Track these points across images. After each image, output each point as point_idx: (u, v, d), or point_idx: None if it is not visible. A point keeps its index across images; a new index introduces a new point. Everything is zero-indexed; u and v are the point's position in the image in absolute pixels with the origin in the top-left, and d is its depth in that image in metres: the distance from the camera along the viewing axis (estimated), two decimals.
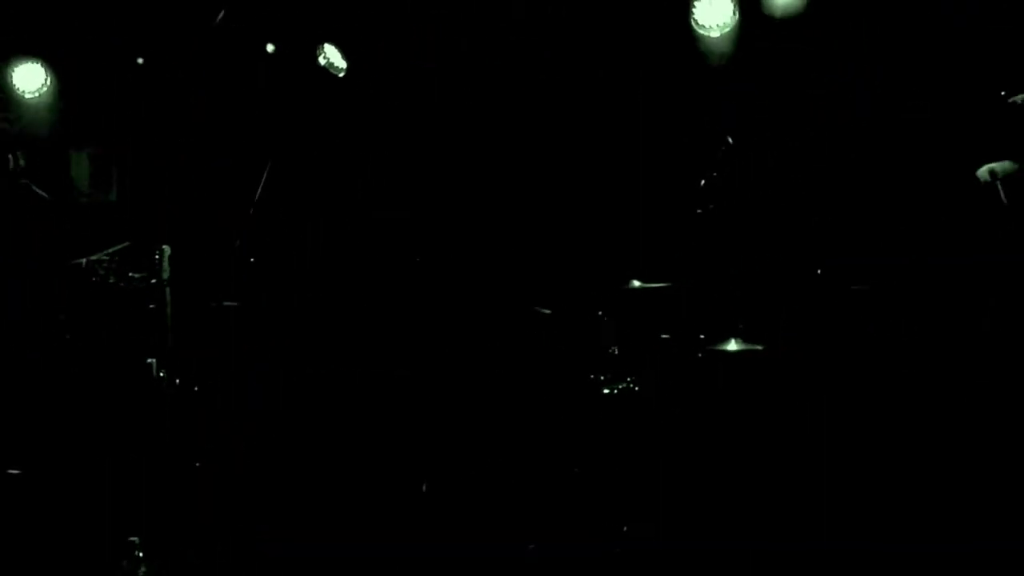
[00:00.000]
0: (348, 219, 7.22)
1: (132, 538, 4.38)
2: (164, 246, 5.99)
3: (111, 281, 6.10)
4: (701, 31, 6.10)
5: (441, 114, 7.14)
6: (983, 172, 5.04)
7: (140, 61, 7.24)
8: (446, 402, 5.99)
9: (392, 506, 5.40)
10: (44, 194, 6.66)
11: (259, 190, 5.58)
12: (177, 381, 5.89)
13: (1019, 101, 5.05)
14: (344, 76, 6.70)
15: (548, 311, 5.86)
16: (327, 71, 6.60)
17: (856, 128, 6.11)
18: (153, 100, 7.35)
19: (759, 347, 5.55)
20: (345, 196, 7.26)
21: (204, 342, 6.17)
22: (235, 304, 6.14)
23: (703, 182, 5.33)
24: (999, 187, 5.02)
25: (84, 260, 6.16)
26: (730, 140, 5.34)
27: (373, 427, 6.16)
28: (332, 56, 6.66)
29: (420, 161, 7.21)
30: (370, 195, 7.23)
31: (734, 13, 6.05)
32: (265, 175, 5.57)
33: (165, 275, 5.98)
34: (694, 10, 6.13)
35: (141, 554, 4.38)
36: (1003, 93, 5.17)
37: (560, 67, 6.81)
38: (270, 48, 6.56)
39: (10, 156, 6.59)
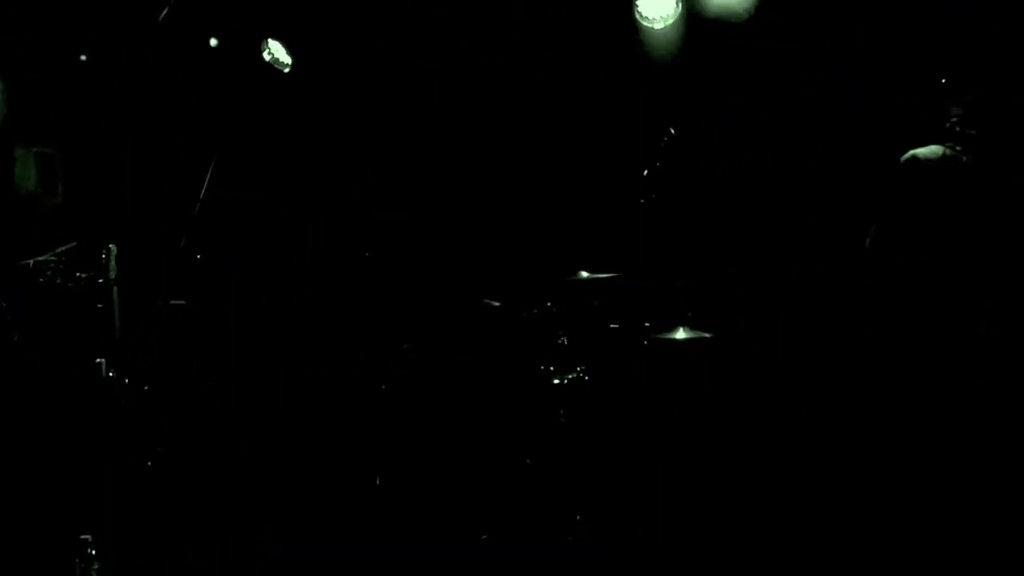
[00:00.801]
0: (297, 214, 7.21)
1: (84, 536, 4.36)
2: (110, 245, 5.96)
3: (58, 282, 6.05)
4: (645, 23, 6.13)
5: (388, 111, 7.15)
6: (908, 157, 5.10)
7: (83, 58, 7.18)
8: (401, 398, 5.99)
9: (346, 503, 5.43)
10: None
11: (204, 188, 5.56)
12: (126, 380, 5.86)
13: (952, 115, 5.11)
14: (289, 72, 6.67)
15: (497, 303, 5.89)
16: (272, 67, 6.58)
17: (839, 124, 6.17)
18: (98, 98, 7.29)
19: (707, 335, 5.61)
20: (296, 191, 7.26)
21: (153, 341, 6.15)
22: (183, 302, 6.12)
23: (646, 172, 5.38)
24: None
25: (31, 261, 6.10)
26: (673, 131, 5.39)
27: (327, 423, 6.18)
28: (276, 51, 6.64)
29: (369, 156, 7.22)
30: (318, 190, 7.23)
31: (677, 5, 6.09)
32: (209, 173, 5.56)
33: (112, 274, 5.94)
34: (637, 3, 6.16)
35: (94, 552, 4.36)
36: (944, 81, 5.25)
37: (504, 62, 6.84)
38: (213, 42, 6.52)
39: None
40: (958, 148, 5.00)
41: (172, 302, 6.15)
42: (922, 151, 5.03)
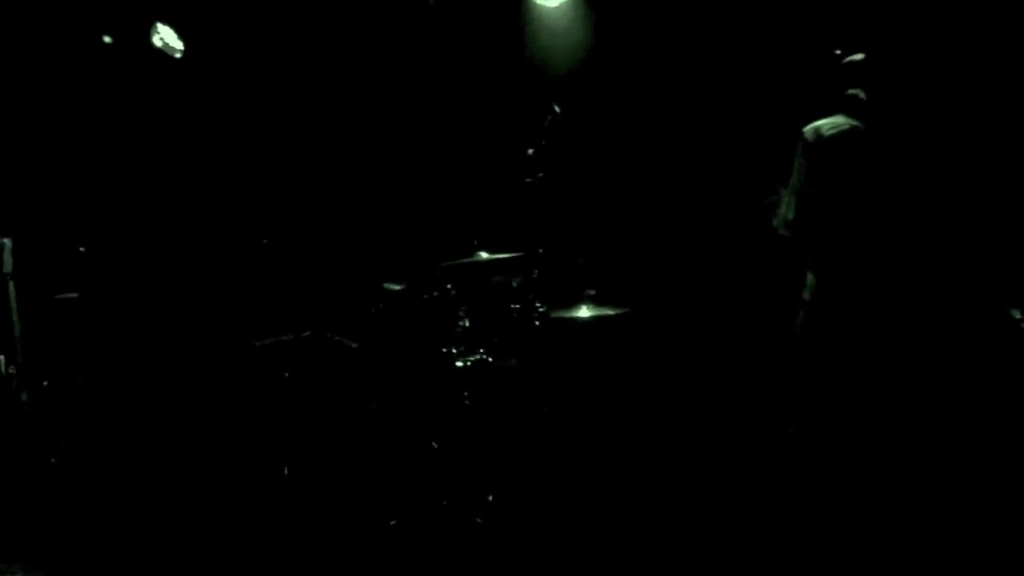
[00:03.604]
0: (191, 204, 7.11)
1: None
2: (4, 239, 5.86)
3: None
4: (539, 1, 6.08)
5: (286, 99, 7.09)
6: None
7: None
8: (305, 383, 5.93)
9: None
10: None
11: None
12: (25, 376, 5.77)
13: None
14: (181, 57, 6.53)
15: (399, 287, 5.84)
16: (163, 53, 6.44)
17: None
18: None
19: (610, 312, 5.60)
20: (190, 181, 7.15)
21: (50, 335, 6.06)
22: (74, 296, 6.02)
23: (531, 151, 5.34)
24: None
25: None
26: (557, 109, 5.34)
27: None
28: (167, 37, 6.47)
29: (265, 144, 7.13)
30: (215, 179, 7.13)
31: None
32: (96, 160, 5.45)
33: (8, 268, 5.84)
34: None
35: None
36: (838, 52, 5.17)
37: (392, 44, 6.79)
38: (107, 39, 6.39)
39: None
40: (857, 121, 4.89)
41: (64, 295, 6.04)
42: (824, 124, 4.90)
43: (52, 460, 5.75)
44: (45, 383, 5.94)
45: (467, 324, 5.53)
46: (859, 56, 4.88)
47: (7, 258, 5.83)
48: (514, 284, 5.53)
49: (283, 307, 6.40)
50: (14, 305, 5.85)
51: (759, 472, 5.19)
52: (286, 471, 5.51)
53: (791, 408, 5.00)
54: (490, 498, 5.01)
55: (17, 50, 6.84)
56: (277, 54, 6.97)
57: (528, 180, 5.30)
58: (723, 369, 6.09)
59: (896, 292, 4.70)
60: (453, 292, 5.55)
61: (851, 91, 4.85)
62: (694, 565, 4.52)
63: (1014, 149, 4.92)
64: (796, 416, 4.96)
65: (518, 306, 5.58)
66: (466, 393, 5.41)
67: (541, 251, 5.53)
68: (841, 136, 4.75)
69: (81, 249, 5.81)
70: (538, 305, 5.47)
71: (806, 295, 4.87)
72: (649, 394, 5.92)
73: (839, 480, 4.69)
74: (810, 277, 4.87)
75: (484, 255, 5.59)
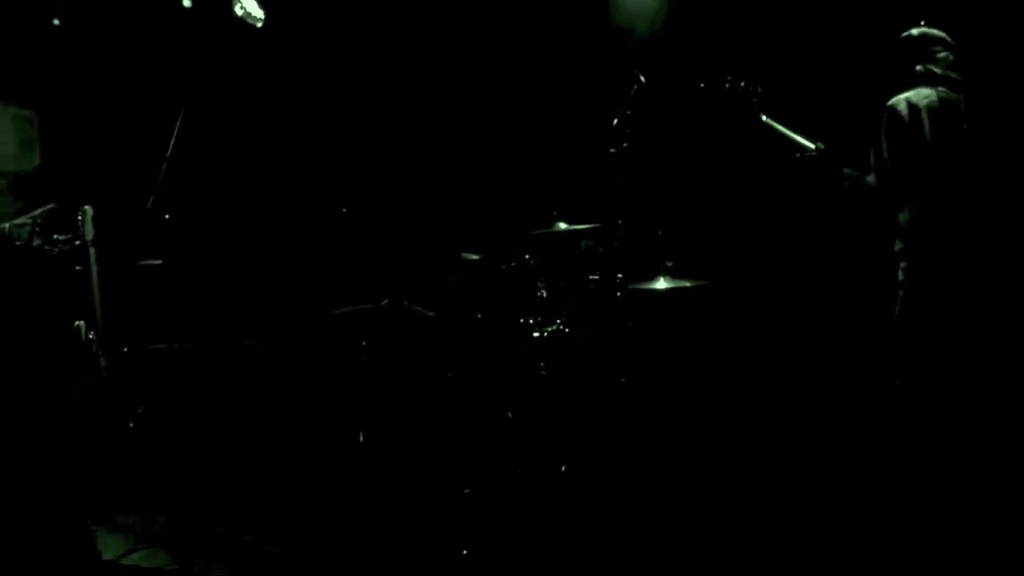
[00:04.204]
0: (273, 174, 7.16)
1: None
2: (85, 207, 5.92)
3: (35, 244, 6.00)
4: None
5: (361, 71, 7.09)
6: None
7: (56, 22, 7.09)
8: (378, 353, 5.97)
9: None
10: None
11: (171, 144, 5.51)
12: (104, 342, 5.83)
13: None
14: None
15: (476, 256, 5.84)
16: (244, 21, 6.44)
17: None
18: (73, 60, 7.21)
19: (687, 284, 5.59)
20: (269, 149, 7.19)
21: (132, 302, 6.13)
22: (158, 263, 6.08)
23: (616, 121, 5.31)
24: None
25: (7, 225, 6.05)
26: (642, 78, 5.31)
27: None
28: (248, 5, 6.48)
29: (344, 114, 7.16)
30: (294, 148, 7.17)
31: None
32: (177, 129, 5.50)
33: (89, 236, 5.90)
34: None
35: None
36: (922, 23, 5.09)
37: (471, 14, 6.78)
38: (187, 3, 6.43)
39: None
40: (943, 90, 4.83)
41: (147, 262, 6.10)
42: (911, 95, 4.83)
43: (130, 425, 5.81)
44: (125, 349, 6.00)
45: (545, 294, 5.53)
46: (916, 31, 4.86)
47: (88, 225, 5.90)
48: (601, 250, 5.51)
49: (361, 276, 6.44)
50: (94, 272, 5.92)
51: (837, 446, 5.18)
52: (361, 437, 5.56)
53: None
54: (564, 468, 5.00)
55: (98, 14, 6.92)
56: (356, 24, 6.99)
57: (612, 151, 5.27)
58: (800, 343, 6.06)
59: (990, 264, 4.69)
60: (531, 262, 5.55)
61: (920, 66, 4.82)
62: (781, 534, 4.50)
63: None
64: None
65: (597, 277, 5.58)
66: (542, 363, 5.41)
67: (620, 222, 5.51)
68: (936, 104, 4.73)
69: (166, 216, 5.87)
70: (617, 276, 5.46)
71: (900, 276, 4.83)
72: (726, 366, 5.91)
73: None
74: (903, 263, 4.84)
75: (563, 225, 5.58)
